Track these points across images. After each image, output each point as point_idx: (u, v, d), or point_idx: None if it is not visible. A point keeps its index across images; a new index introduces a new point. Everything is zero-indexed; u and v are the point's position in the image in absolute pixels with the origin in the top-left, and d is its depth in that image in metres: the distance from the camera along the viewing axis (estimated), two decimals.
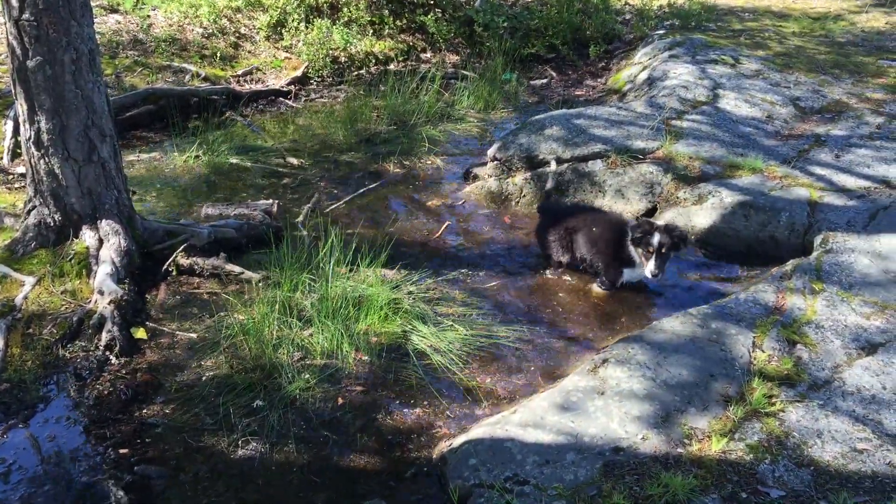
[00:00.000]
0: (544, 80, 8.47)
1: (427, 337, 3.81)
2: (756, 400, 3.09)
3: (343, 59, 8.27)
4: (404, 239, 4.94)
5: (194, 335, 3.84)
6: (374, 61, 8.40)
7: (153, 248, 4.41)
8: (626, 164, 5.32)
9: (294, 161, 6.14)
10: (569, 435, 2.97)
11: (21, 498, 2.86)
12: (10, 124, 5.73)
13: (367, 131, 6.72)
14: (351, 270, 4.18)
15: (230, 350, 3.68)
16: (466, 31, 8.93)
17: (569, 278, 4.54)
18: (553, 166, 5.42)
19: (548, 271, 4.59)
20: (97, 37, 4.25)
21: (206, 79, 7.36)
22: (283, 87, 7.69)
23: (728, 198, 4.89)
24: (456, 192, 5.70)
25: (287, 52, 8.30)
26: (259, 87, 7.62)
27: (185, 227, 4.55)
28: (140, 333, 3.81)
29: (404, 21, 8.96)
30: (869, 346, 3.43)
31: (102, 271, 4.02)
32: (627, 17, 9.77)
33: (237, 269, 4.34)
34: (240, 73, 7.71)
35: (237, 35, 8.32)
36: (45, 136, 4.00)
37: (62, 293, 4.00)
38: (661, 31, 8.76)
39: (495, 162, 5.71)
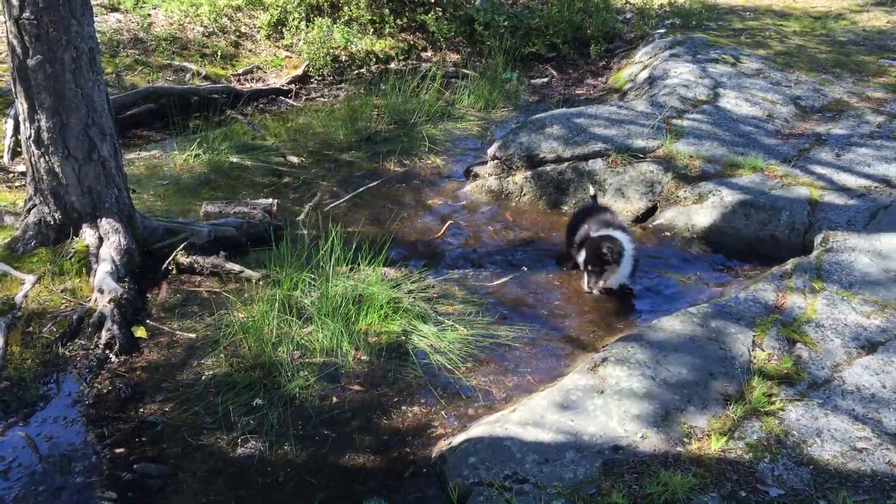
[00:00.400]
0: (545, 79, 8.46)
1: (427, 336, 3.80)
2: (756, 399, 3.09)
3: (344, 58, 8.26)
4: (404, 237, 4.94)
5: (194, 334, 3.84)
6: (374, 60, 8.39)
7: (153, 247, 4.42)
8: (627, 163, 5.31)
9: (294, 160, 6.14)
10: (568, 433, 2.97)
11: (21, 496, 2.87)
12: (10, 123, 5.73)
13: (368, 130, 6.72)
14: (351, 269, 4.18)
15: (230, 348, 3.68)
16: (467, 30, 8.92)
17: (569, 277, 4.54)
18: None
19: (564, 267, 4.60)
20: (97, 35, 4.25)
21: (206, 77, 7.36)
22: (283, 85, 7.68)
23: (728, 197, 4.89)
24: (456, 191, 5.70)
25: (288, 50, 8.29)
26: (259, 85, 7.61)
27: (186, 226, 4.55)
28: (140, 332, 3.81)
29: (405, 20, 8.95)
30: (869, 345, 3.43)
31: (102, 269, 4.02)
32: (628, 16, 9.75)
33: (237, 267, 4.34)
34: (240, 71, 7.71)
35: (238, 34, 8.32)
36: (45, 135, 4.00)
37: (62, 291, 4.00)
38: (662, 30, 8.75)
39: (496, 161, 5.71)
